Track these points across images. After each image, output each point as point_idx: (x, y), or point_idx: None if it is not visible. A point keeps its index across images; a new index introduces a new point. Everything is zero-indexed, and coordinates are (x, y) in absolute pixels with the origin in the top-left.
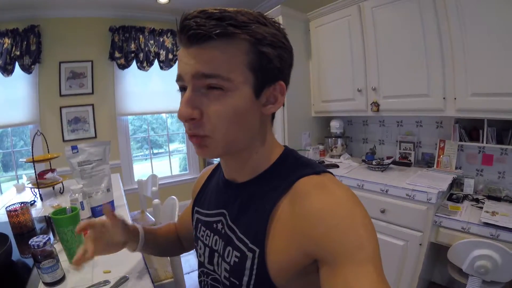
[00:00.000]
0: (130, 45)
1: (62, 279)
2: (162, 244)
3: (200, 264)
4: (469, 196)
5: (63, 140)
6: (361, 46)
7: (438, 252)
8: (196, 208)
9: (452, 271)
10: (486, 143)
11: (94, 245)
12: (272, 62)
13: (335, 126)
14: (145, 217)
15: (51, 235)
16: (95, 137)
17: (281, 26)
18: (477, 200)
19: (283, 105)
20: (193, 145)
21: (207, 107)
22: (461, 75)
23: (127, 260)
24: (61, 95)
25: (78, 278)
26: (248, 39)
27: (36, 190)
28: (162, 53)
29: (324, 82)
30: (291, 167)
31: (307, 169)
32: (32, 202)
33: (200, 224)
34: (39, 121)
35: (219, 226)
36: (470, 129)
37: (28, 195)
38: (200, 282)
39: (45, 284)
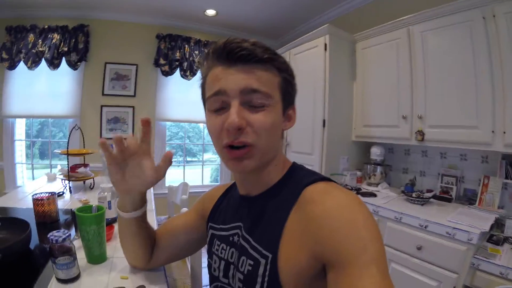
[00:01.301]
0: (175, 54)
1: (76, 278)
2: (146, 238)
3: (214, 279)
4: (509, 238)
5: (100, 137)
6: (409, 71)
7: None
8: (210, 224)
9: None
10: None
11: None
12: (293, 88)
13: (376, 153)
14: None
15: (73, 230)
16: None
17: None
18: None
19: (324, 126)
20: (231, 160)
21: (252, 119)
22: None
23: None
24: (103, 94)
25: (93, 280)
26: (279, 67)
27: (67, 182)
28: None
29: (367, 105)
30: (298, 178)
31: (312, 177)
32: (61, 193)
33: (215, 239)
34: (80, 116)
35: (235, 238)
36: None
37: (58, 186)
38: None
39: (58, 280)
